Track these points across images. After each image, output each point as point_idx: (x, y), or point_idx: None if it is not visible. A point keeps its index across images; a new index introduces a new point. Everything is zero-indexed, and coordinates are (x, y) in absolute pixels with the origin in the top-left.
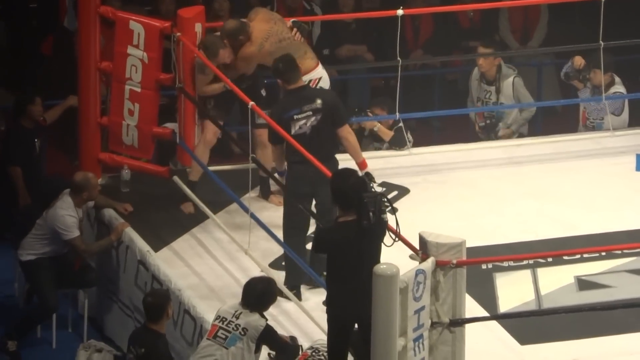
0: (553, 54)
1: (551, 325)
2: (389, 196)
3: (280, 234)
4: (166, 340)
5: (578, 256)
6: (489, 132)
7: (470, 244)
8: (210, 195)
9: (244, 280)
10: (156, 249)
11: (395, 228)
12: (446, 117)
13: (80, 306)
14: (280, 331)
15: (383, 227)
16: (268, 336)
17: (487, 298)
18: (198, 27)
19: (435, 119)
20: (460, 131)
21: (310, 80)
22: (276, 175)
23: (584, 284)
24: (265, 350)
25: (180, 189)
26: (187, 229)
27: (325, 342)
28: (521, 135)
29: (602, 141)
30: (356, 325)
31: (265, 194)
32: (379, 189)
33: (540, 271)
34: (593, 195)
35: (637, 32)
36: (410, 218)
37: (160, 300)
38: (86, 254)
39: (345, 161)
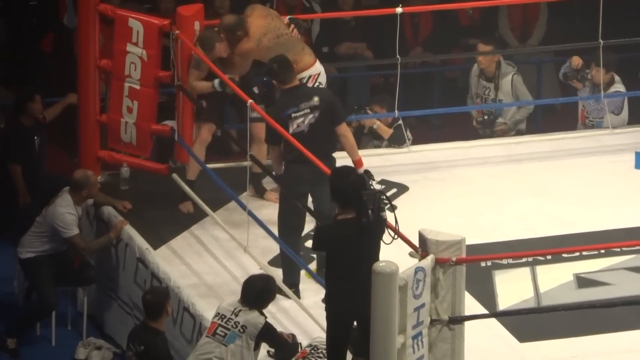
0: (552, 52)
1: (550, 323)
2: (388, 194)
3: None
4: (165, 337)
5: (577, 254)
6: (487, 128)
7: (469, 241)
8: (208, 193)
9: (243, 278)
10: (155, 246)
11: (394, 226)
12: (445, 114)
13: (79, 304)
14: (280, 329)
15: (382, 224)
16: (267, 334)
17: (487, 295)
18: (197, 25)
19: (435, 117)
20: (460, 129)
21: (310, 76)
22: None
23: (583, 281)
24: (264, 348)
25: (179, 186)
26: (186, 227)
27: (324, 339)
28: (520, 133)
29: (601, 139)
30: (355, 323)
31: (259, 191)
32: (378, 187)
33: (540, 269)
34: (592, 192)
35: (637, 30)
36: (410, 216)
37: (159, 297)
38: (85, 252)
39: (341, 159)
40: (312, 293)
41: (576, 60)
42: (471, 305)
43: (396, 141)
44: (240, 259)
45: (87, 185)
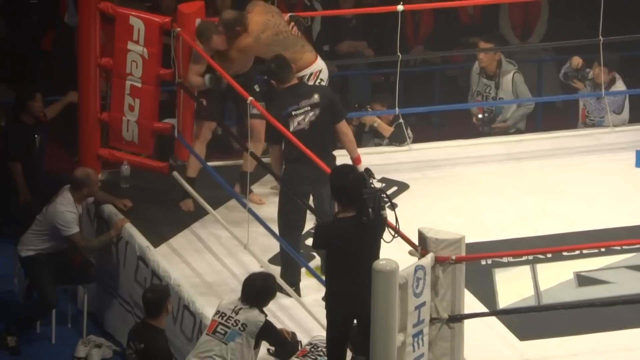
0: (553, 50)
1: (550, 321)
2: (389, 192)
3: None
4: (165, 335)
5: (577, 252)
6: (486, 125)
7: (469, 239)
8: (209, 191)
9: (243, 276)
10: (156, 244)
11: (394, 224)
12: (446, 113)
13: (79, 302)
14: (280, 326)
15: (382, 223)
16: (267, 332)
17: (487, 294)
18: (198, 23)
19: (435, 115)
20: (460, 127)
21: (311, 74)
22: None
23: (583, 279)
24: (264, 346)
25: (180, 184)
26: (186, 225)
27: (324, 338)
28: (520, 131)
29: (601, 137)
30: (355, 321)
31: (244, 191)
32: (378, 185)
33: (540, 267)
34: (593, 191)
35: (638, 28)
36: (410, 214)
37: (159, 295)
38: (86, 250)
39: (341, 157)
40: (313, 291)
41: (576, 60)
42: (471, 303)
43: (397, 139)
44: (240, 257)
45: (88, 184)
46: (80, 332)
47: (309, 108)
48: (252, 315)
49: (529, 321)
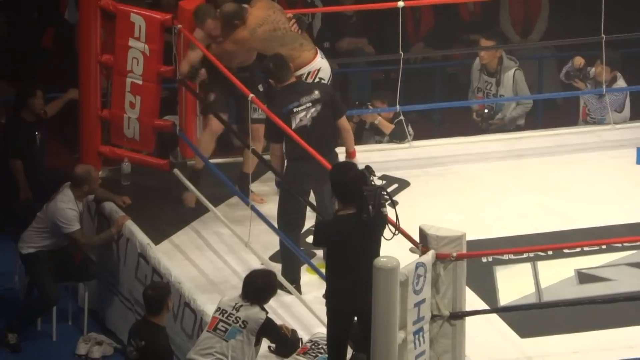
0: (554, 48)
1: (551, 319)
2: (390, 189)
3: None
4: (166, 333)
5: (578, 249)
6: (485, 121)
7: (470, 237)
8: (211, 188)
9: (244, 273)
10: (156, 242)
11: (395, 221)
12: (447, 110)
13: (80, 299)
14: (280, 323)
15: (383, 220)
16: (268, 329)
17: (488, 291)
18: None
19: (436, 112)
20: (461, 124)
21: (309, 73)
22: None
23: (584, 277)
24: (265, 343)
25: (181, 181)
26: (187, 222)
27: (325, 335)
28: (520, 128)
29: (602, 134)
30: (355, 318)
31: (244, 191)
32: (379, 182)
33: (541, 264)
34: (593, 188)
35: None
36: (411, 211)
37: (160, 293)
38: (87, 247)
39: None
40: (313, 288)
41: (578, 60)
42: (472, 300)
43: (397, 137)
44: (241, 254)
45: (88, 181)
46: (81, 330)
47: (310, 104)
48: (253, 313)
49: (530, 318)
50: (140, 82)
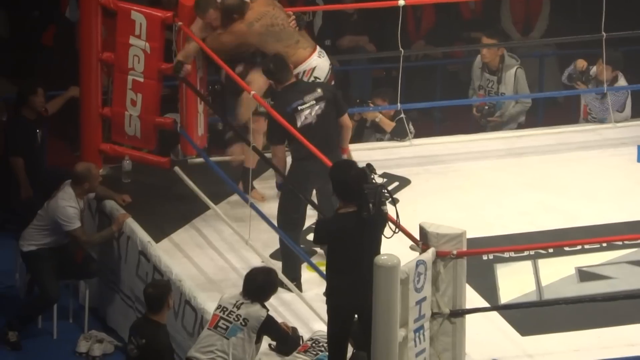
0: (555, 45)
1: (552, 316)
2: (390, 187)
3: None
4: (167, 330)
5: (579, 247)
6: (485, 117)
7: (470, 234)
8: (211, 185)
9: (244, 271)
10: (157, 239)
11: (395, 219)
12: (447, 108)
13: (81, 297)
14: (280, 321)
15: (383, 218)
16: (269, 327)
17: (488, 289)
18: None
19: (437, 110)
20: (462, 122)
21: (304, 71)
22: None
23: (584, 275)
24: (266, 341)
25: (182, 179)
26: (188, 220)
27: (326, 333)
28: (521, 126)
29: (603, 132)
30: (356, 316)
31: (246, 187)
32: (379, 180)
33: (541, 262)
34: (594, 186)
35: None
36: (411, 209)
37: (160, 291)
38: (87, 245)
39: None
40: (314, 286)
41: (581, 63)
42: (473, 298)
43: (398, 134)
44: (242, 252)
45: (89, 178)
46: (82, 327)
47: (314, 102)
48: (254, 310)
49: (531, 316)
50: (141, 80)
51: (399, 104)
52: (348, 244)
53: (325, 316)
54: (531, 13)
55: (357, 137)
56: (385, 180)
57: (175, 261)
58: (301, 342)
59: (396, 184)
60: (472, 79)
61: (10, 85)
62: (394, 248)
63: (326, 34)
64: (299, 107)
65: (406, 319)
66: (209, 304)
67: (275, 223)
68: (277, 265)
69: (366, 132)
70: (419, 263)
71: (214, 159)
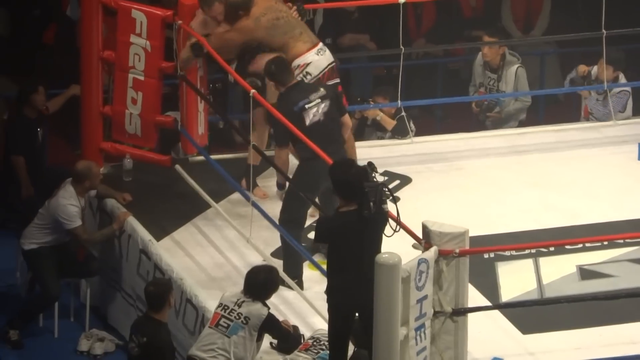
0: (556, 43)
1: (553, 315)
2: (391, 185)
3: None
4: (168, 329)
5: (580, 245)
6: (483, 113)
7: (472, 233)
8: (212, 184)
9: (245, 270)
10: (158, 238)
11: (396, 217)
12: (448, 106)
13: (82, 295)
14: (281, 319)
15: (384, 216)
16: (270, 325)
17: (490, 287)
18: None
19: (438, 108)
20: (463, 120)
21: (297, 66)
22: (276, 188)
23: (586, 273)
24: (267, 339)
25: (182, 178)
26: (189, 218)
27: (327, 331)
28: (522, 124)
29: (604, 130)
30: (357, 315)
31: (249, 184)
32: (381, 179)
33: (543, 260)
34: (595, 184)
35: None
36: (413, 207)
37: (162, 289)
38: (88, 243)
39: None
40: (315, 284)
41: (582, 68)
42: (474, 296)
43: (399, 132)
44: (243, 250)
45: (90, 176)
46: (83, 326)
47: (320, 100)
48: (255, 308)
49: (532, 314)
50: (141, 78)
51: (399, 102)
52: (349, 242)
53: (326, 314)
54: (532, 11)
55: (358, 135)
56: (386, 178)
57: (176, 259)
58: (302, 341)
59: (397, 182)
60: (473, 76)
61: (11, 84)
62: (396, 246)
63: (327, 32)
64: (306, 106)
65: (407, 317)
66: (210, 302)
67: (277, 221)
68: (277, 264)
69: (367, 130)
70: (420, 261)
71: (214, 157)
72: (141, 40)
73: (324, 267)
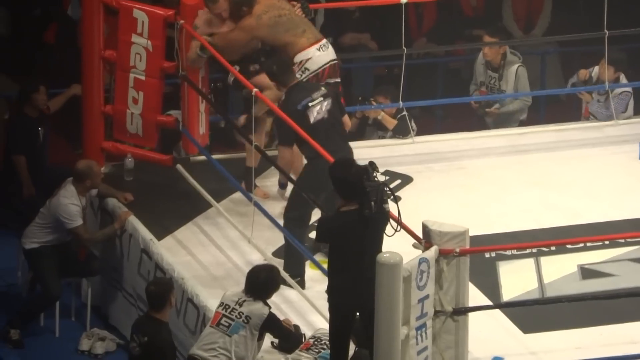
0: (557, 43)
1: (554, 314)
2: (392, 185)
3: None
4: (169, 328)
5: (581, 245)
6: (482, 108)
7: (473, 232)
8: (213, 183)
9: (247, 269)
10: (159, 237)
11: (397, 217)
12: (449, 105)
13: (83, 295)
14: (282, 318)
15: (385, 216)
16: (271, 324)
17: (491, 287)
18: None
19: (439, 108)
20: (464, 119)
21: (300, 61)
22: (279, 188)
23: (587, 272)
24: (268, 339)
25: (184, 177)
26: (190, 218)
27: (328, 331)
28: (522, 123)
29: (605, 130)
30: (358, 314)
31: (249, 186)
32: (382, 178)
33: (544, 260)
34: (596, 183)
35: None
36: (414, 206)
37: (163, 288)
38: (89, 243)
39: None
40: (316, 283)
41: (583, 73)
42: (475, 296)
43: (400, 132)
44: (244, 250)
45: (90, 176)
46: (84, 325)
47: (322, 98)
48: (256, 308)
49: (533, 314)
50: (143, 78)
51: (400, 102)
52: (350, 242)
53: (327, 314)
54: (533, 10)
55: (359, 135)
56: (387, 178)
57: (177, 259)
58: (303, 340)
59: (398, 181)
60: (474, 74)
61: (12, 83)
62: (397, 246)
63: (328, 32)
64: (310, 104)
65: (408, 317)
66: (211, 302)
67: (279, 221)
68: (279, 263)
69: (368, 129)
70: (421, 261)
71: (216, 156)
72: (142, 39)
73: (325, 266)
